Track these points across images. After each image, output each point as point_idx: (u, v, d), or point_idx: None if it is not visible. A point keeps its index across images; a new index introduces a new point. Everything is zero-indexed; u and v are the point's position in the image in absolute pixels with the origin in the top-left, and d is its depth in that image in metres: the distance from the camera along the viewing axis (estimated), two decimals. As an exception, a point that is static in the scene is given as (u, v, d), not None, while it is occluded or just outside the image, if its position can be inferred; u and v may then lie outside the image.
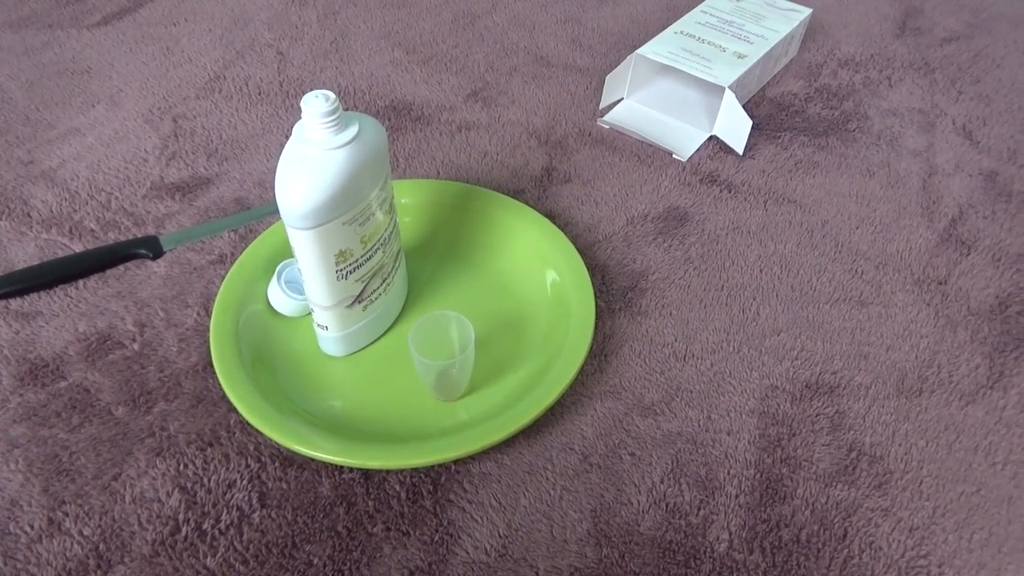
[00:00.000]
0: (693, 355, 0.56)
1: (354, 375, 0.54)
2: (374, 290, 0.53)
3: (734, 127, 0.72)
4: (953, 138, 0.76)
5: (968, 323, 0.58)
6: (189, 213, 0.65)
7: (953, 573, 0.45)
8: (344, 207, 0.46)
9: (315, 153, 0.45)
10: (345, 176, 0.45)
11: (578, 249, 0.59)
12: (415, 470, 0.48)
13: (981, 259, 0.63)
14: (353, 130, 0.45)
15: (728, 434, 0.51)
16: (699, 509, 0.47)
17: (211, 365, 0.53)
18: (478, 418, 0.50)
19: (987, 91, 0.82)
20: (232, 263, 0.59)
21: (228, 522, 0.46)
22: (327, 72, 0.82)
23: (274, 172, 0.69)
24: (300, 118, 0.46)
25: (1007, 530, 0.47)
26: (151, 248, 0.61)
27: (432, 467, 0.49)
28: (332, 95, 0.44)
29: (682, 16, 0.81)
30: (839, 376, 0.55)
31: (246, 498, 0.47)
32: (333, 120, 0.44)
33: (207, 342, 0.55)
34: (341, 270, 0.49)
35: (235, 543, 0.45)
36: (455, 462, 0.49)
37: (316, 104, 0.44)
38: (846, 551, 0.45)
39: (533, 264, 0.60)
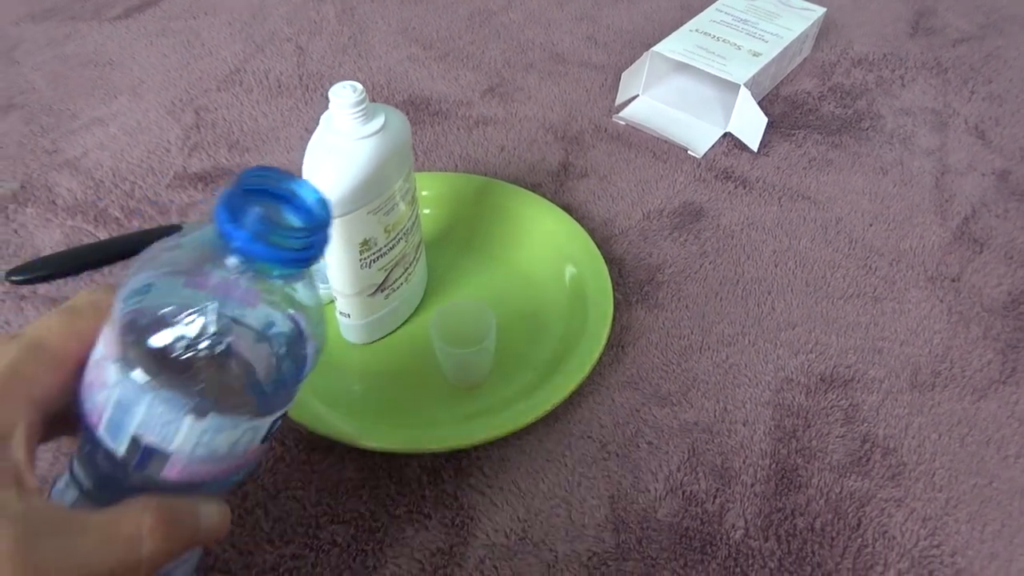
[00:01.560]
0: (709, 347, 0.56)
1: (375, 362, 0.55)
2: (396, 279, 0.54)
3: (749, 124, 0.73)
4: (966, 137, 0.76)
5: (981, 319, 0.59)
6: (212, 203, 0.66)
7: (966, 563, 0.45)
8: (370, 196, 0.47)
9: (342, 143, 0.46)
10: (372, 165, 0.46)
11: (595, 243, 0.60)
12: (436, 455, 0.49)
13: (994, 257, 0.64)
14: (380, 120, 0.46)
15: (744, 425, 0.52)
16: (715, 497, 0.48)
17: (235, 351, 0.54)
18: (498, 405, 0.51)
19: (1000, 91, 0.82)
20: (255, 252, 0.60)
21: (255, 502, 0.46)
22: (345, 67, 0.83)
23: (294, 164, 0.69)
24: (326, 109, 0.47)
25: (1019, 521, 0.47)
26: (175, 236, 0.62)
27: (453, 452, 0.49)
28: (359, 86, 0.45)
29: (697, 14, 0.82)
30: (853, 370, 0.55)
31: (271, 479, 0.48)
32: (360, 110, 0.45)
33: (231, 329, 0.56)
34: (365, 259, 0.50)
35: (261, 522, 0.46)
36: (475, 448, 0.50)
37: (344, 94, 0.45)
38: (860, 540, 0.46)
39: (551, 256, 0.61)
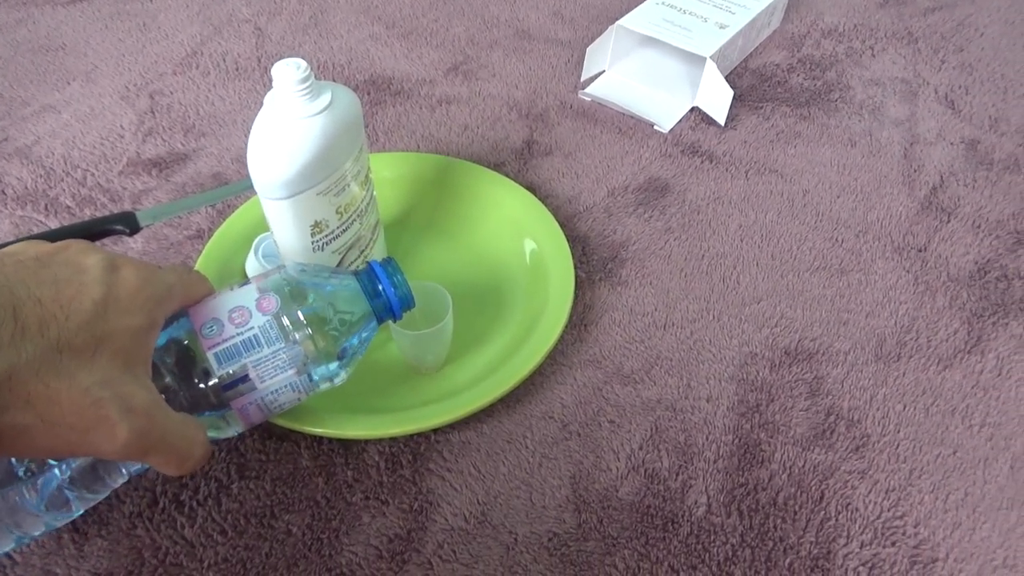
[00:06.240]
0: (673, 324, 0.56)
1: (333, 348, 0.54)
2: (352, 262, 0.52)
3: (716, 98, 0.71)
4: (935, 107, 0.76)
5: (947, 289, 0.58)
6: (166, 189, 0.65)
7: (928, 533, 0.45)
8: (318, 176, 0.46)
9: (288, 122, 0.44)
10: (319, 144, 0.45)
11: (558, 221, 0.59)
12: (394, 440, 0.48)
13: (961, 226, 0.63)
14: (326, 98, 0.45)
15: (707, 401, 0.51)
16: (678, 474, 0.47)
17: (189, 339, 0.53)
18: (457, 387, 0.50)
19: (970, 60, 0.81)
20: (209, 238, 0.59)
21: (206, 493, 0.45)
22: (305, 47, 0.81)
23: (252, 147, 0.68)
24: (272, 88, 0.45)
25: (982, 490, 0.47)
26: (128, 224, 0.60)
27: (411, 437, 0.49)
28: (303, 63, 0.44)
29: (664, -13, 0.80)
30: (818, 343, 0.55)
31: (224, 469, 0.47)
32: (305, 88, 0.44)
33: (185, 317, 0.55)
34: (317, 241, 0.49)
35: (213, 513, 0.45)
36: (434, 431, 0.49)
37: (287, 72, 0.43)
38: (823, 513, 0.46)
39: (512, 235, 0.59)
